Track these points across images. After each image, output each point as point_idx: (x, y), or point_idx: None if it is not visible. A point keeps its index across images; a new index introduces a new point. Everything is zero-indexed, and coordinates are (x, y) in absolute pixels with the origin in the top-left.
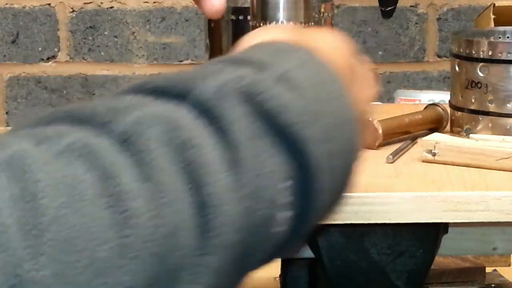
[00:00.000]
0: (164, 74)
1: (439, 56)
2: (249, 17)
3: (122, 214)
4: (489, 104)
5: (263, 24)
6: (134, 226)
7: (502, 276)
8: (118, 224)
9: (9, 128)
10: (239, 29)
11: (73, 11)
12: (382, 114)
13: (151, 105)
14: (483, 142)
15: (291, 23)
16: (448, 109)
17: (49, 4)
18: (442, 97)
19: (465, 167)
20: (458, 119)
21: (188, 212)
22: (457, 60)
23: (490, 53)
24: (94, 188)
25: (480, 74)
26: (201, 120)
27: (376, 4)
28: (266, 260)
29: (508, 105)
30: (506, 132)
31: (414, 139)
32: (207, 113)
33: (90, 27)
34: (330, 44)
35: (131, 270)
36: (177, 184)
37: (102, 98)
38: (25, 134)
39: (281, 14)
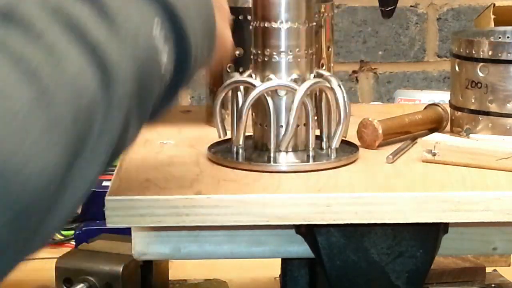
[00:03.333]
0: None
1: (439, 56)
2: (249, 17)
3: (27, 72)
4: (489, 104)
5: (263, 24)
6: (42, 79)
7: (502, 276)
8: (37, 97)
9: None
10: (239, 29)
11: None
12: (382, 114)
13: None
14: (483, 142)
15: (290, 23)
16: (448, 109)
17: None
18: (442, 97)
19: (465, 167)
20: (458, 119)
21: (83, 57)
22: (457, 60)
23: (490, 53)
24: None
25: (480, 74)
26: None
27: (376, 4)
28: (159, 107)
29: (508, 105)
30: (506, 132)
31: (414, 139)
32: None
33: None
34: None
35: (48, 118)
36: (65, 41)
37: None
38: None
39: (282, 14)
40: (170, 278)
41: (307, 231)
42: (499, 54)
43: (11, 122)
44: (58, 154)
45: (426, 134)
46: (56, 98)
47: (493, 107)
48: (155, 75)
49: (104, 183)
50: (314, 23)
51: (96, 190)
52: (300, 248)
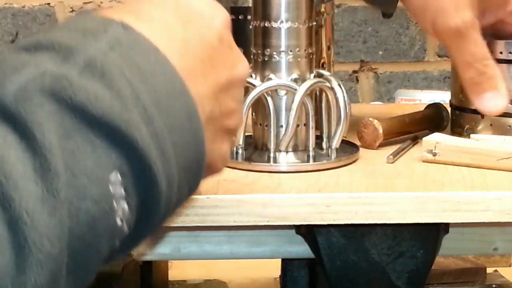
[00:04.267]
0: None
1: (439, 56)
2: (249, 17)
3: None
4: None
5: (263, 24)
6: None
7: (503, 277)
8: None
9: None
10: (239, 29)
11: (73, 10)
12: (382, 114)
13: None
14: (484, 142)
15: (290, 22)
16: (449, 109)
17: (48, 4)
18: (443, 97)
19: (465, 167)
20: (459, 119)
21: (1, 233)
22: None
23: (490, 53)
24: None
25: None
26: (5, 127)
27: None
28: (116, 253)
29: (508, 105)
30: (507, 132)
31: (414, 139)
32: (12, 118)
33: None
34: (184, 14)
35: None
36: None
37: None
38: None
39: (282, 14)
40: (169, 279)
41: (307, 231)
42: (499, 54)
43: None
44: None
45: (427, 134)
46: None
47: None
48: (102, 232)
49: None
50: (314, 23)
51: None
52: (300, 248)
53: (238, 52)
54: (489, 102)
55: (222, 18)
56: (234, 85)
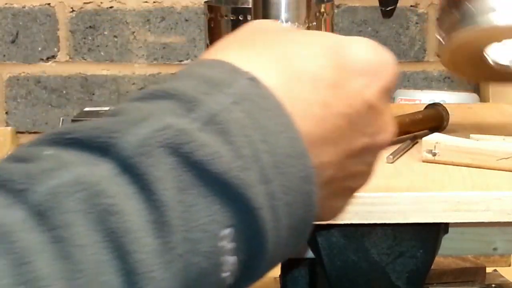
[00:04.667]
0: (85, 122)
1: (439, 56)
2: (249, 17)
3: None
4: None
5: None
6: None
7: (503, 276)
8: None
9: (8, 128)
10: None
11: (73, 10)
12: None
13: (70, 166)
14: (484, 142)
15: (290, 23)
16: (449, 109)
17: (48, 4)
18: (443, 97)
19: (465, 167)
20: None
21: (115, 284)
22: None
23: None
24: (8, 277)
25: None
26: (124, 179)
27: (376, 4)
28: None
29: None
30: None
31: (414, 139)
32: (130, 170)
33: (90, 27)
34: (339, 68)
35: None
36: (99, 257)
37: (20, 152)
38: None
39: (282, 14)
40: None
41: None
42: None
43: None
44: None
45: (427, 134)
46: None
47: None
48: (208, 287)
49: None
50: (314, 23)
51: None
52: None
53: (388, 118)
54: None
55: (385, 78)
56: (369, 151)
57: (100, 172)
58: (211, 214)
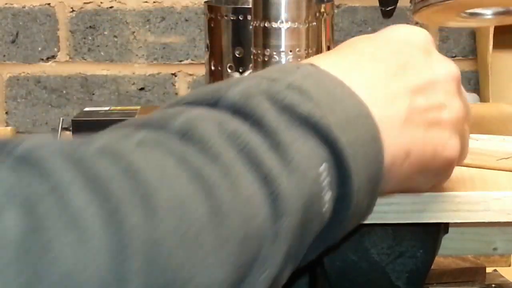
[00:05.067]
0: (191, 91)
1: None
2: (249, 17)
3: (204, 187)
4: None
5: (263, 24)
6: (216, 197)
7: (503, 276)
8: (211, 213)
9: (8, 128)
10: (239, 29)
11: (73, 10)
12: None
13: (192, 111)
14: (484, 142)
15: (290, 22)
16: None
17: (48, 4)
18: None
19: (465, 167)
20: None
21: (256, 184)
22: None
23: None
24: (181, 169)
25: None
26: (236, 117)
27: (376, 4)
28: (313, 249)
29: None
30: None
31: None
32: (239, 111)
33: (90, 27)
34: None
35: (218, 236)
36: (239, 165)
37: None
38: (109, 133)
39: (282, 14)
40: None
41: None
42: None
43: (184, 234)
44: (223, 276)
45: None
46: (228, 218)
47: None
48: (316, 213)
49: None
50: (314, 23)
51: None
52: None
53: (440, 56)
54: None
55: (422, 36)
56: (434, 85)
57: (216, 113)
58: (311, 148)
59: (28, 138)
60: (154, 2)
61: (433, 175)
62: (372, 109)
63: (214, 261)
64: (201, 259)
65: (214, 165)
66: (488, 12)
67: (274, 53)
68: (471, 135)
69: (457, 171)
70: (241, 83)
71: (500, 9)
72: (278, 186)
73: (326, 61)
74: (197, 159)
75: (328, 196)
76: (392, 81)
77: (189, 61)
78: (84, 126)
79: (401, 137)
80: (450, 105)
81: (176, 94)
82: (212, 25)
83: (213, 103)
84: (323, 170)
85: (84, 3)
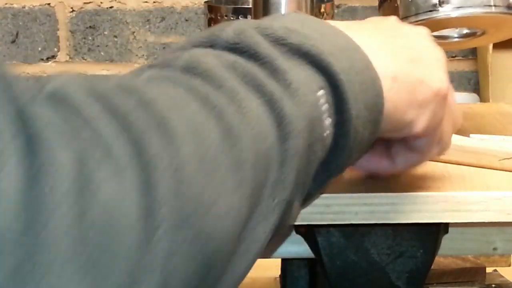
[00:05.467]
0: (186, 39)
1: None
2: (249, 17)
3: (214, 113)
4: None
5: None
6: (227, 121)
7: (503, 276)
8: (224, 137)
9: None
10: None
11: (73, 11)
12: None
13: (192, 51)
14: (484, 142)
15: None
16: None
17: (48, 4)
18: None
19: (465, 167)
20: None
21: (262, 107)
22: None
23: None
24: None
25: None
26: (233, 52)
27: (376, 4)
28: (319, 181)
29: None
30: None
31: None
32: (235, 47)
33: (90, 27)
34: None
35: (232, 159)
36: (244, 91)
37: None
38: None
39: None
40: None
41: (307, 231)
42: None
43: (202, 158)
44: (240, 198)
45: None
46: (239, 140)
47: None
48: (318, 137)
49: None
50: None
51: None
52: (300, 248)
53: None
54: None
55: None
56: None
57: (215, 52)
58: (307, 75)
59: (55, 77)
60: (154, 2)
61: (419, 106)
62: (359, 44)
63: (231, 185)
64: (219, 183)
65: (220, 92)
66: (454, 35)
67: None
68: (471, 135)
69: (458, 171)
70: (232, 24)
71: (466, 30)
72: (283, 108)
73: (340, 23)
74: (204, 88)
75: (328, 121)
76: (378, 33)
77: None
78: None
79: (388, 64)
80: (434, 50)
81: None
82: (212, 25)
83: (210, 45)
84: (321, 96)
85: (84, 3)
